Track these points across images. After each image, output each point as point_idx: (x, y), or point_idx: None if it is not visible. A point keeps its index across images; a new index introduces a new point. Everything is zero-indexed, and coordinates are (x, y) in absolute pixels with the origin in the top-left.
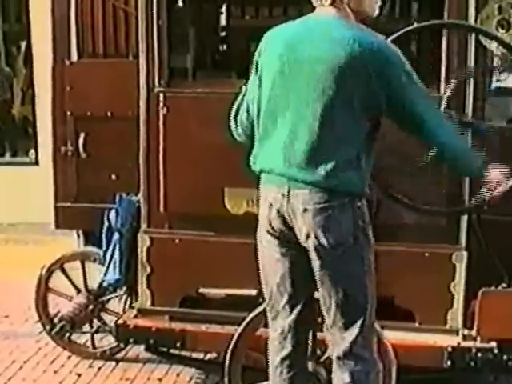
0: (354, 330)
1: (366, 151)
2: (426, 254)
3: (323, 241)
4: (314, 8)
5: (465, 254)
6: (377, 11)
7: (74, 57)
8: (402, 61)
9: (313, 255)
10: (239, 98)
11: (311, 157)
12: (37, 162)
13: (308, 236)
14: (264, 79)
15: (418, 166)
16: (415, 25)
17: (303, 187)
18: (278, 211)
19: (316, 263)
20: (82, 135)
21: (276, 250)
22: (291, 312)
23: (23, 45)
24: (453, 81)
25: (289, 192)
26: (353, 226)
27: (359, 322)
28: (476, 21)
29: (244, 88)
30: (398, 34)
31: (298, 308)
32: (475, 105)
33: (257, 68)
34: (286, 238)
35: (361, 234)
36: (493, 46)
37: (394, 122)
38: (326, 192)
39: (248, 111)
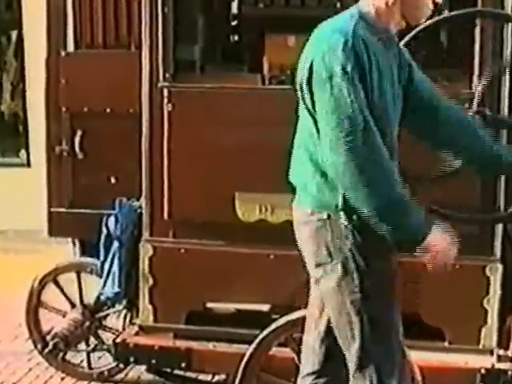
0: (352, 358)
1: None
2: (457, 266)
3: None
4: None
5: (500, 266)
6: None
7: (71, 47)
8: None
9: None
10: None
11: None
12: (28, 163)
13: None
14: None
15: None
16: (446, 13)
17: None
18: None
19: None
20: (79, 133)
21: None
22: None
23: (14, 35)
24: (486, 74)
25: None
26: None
27: (353, 352)
28: None
29: None
30: (427, 23)
31: None
32: None
33: None
34: None
35: (350, 259)
36: None
37: None
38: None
39: None
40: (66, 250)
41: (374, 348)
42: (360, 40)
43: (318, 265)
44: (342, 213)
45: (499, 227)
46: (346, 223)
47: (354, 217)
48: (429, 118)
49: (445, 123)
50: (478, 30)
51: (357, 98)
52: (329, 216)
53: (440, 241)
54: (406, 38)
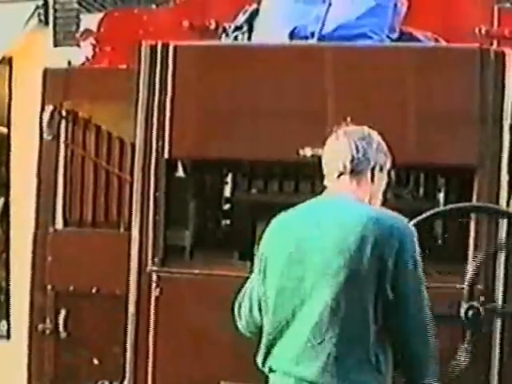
0: None
1: (383, 350)
2: None
3: None
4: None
5: None
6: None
7: (59, 224)
8: (414, 247)
9: None
10: (241, 292)
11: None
12: (8, 336)
13: None
14: (269, 275)
15: None
16: (442, 207)
17: None
18: None
19: None
20: (63, 312)
21: None
22: None
23: (0, 202)
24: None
25: None
26: None
27: None
28: (508, 203)
29: (248, 283)
30: (425, 216)
31: None
32: None
33: (261, 262)
34: None
35: None
36: None
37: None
38: None
39: (251, 310)
40: None
41: None
42: None
43: None
44: None
45: None
46: None
47: None
48: None
49: None
50: (472, 224)
51: None
52: None
53: None
54: None
